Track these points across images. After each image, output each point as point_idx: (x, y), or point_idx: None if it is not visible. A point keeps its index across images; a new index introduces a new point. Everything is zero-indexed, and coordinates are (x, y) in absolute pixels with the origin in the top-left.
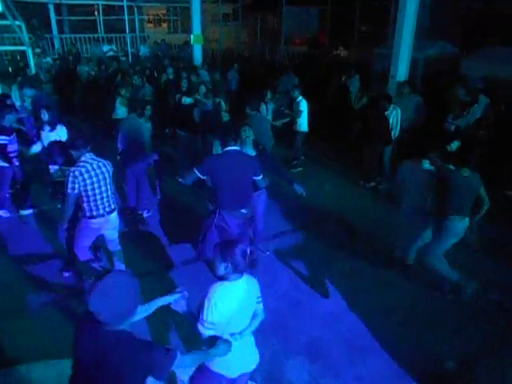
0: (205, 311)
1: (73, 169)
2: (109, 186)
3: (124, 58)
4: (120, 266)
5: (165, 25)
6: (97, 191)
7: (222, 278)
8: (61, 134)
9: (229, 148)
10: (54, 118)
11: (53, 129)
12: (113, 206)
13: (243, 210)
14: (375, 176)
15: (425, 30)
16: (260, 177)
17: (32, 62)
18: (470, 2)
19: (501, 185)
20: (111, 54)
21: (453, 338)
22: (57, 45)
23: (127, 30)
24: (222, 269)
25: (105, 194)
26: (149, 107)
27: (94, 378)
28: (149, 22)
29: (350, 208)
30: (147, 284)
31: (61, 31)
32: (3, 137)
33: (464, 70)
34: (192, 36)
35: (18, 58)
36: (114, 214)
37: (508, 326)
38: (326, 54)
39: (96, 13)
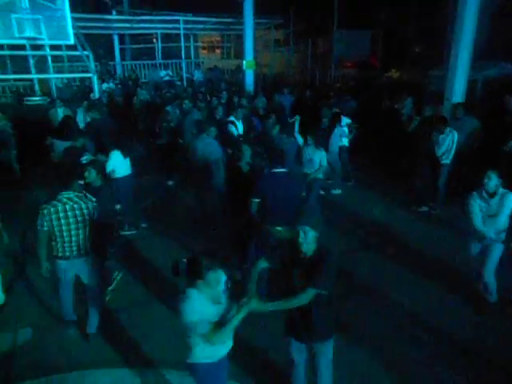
0: None
1: (43, 206)
2: (81, 230)
3: (179, 83)
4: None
5: (218, 51)
6: (65, 233)
7: None
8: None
9: (276, 170)
10: (104, 145)
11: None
12: (82, 252)
13: (279, 228)
14: (427, 200)
15: (483, 51)
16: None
17: (96, 88)
18: None
19: None
20: (167, 78)
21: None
22: (118, 71)
23: (183, 57)
24: None
25: (74, 238)
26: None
27: None
28: (203, 48)
29: (400, 233)
30: None
31: (123, 58)
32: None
33: None
34: (244, 62)
35: (88, 83)
36: (81, 260)
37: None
38: (377, 76)
39: (155, 40)
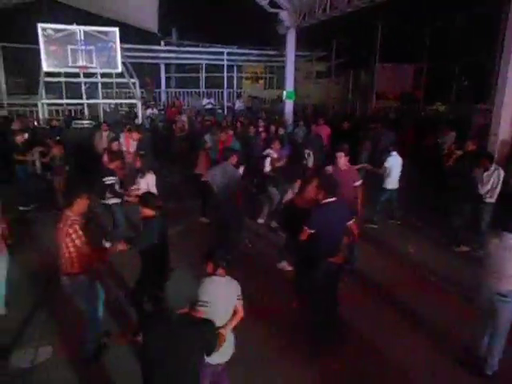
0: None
1: None
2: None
3: (220, 111)
4: None
5: (261, 81)
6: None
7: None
8: (149, 180)
9: (329, 200)
10: (145, 166)
11: (143, 176)
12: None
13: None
14: (467, 240)
15: None
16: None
17: (140, 113)
18: None
19: None
20: (209, 106)
21: None
22: (163, 97)
23: (225, 86)
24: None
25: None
26: None
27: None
28: (246, 78)
29: (436, 274)
30: None
31: (168, 86)
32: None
33: None
34: (284, 92)
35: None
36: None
37: None
38: (420, 109)
39: (200, 70)
